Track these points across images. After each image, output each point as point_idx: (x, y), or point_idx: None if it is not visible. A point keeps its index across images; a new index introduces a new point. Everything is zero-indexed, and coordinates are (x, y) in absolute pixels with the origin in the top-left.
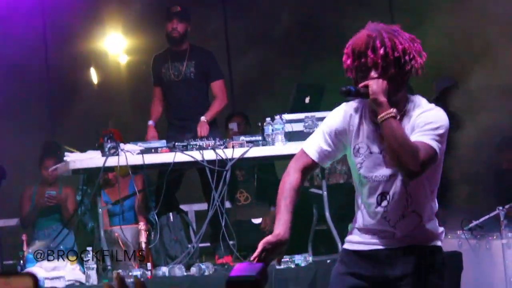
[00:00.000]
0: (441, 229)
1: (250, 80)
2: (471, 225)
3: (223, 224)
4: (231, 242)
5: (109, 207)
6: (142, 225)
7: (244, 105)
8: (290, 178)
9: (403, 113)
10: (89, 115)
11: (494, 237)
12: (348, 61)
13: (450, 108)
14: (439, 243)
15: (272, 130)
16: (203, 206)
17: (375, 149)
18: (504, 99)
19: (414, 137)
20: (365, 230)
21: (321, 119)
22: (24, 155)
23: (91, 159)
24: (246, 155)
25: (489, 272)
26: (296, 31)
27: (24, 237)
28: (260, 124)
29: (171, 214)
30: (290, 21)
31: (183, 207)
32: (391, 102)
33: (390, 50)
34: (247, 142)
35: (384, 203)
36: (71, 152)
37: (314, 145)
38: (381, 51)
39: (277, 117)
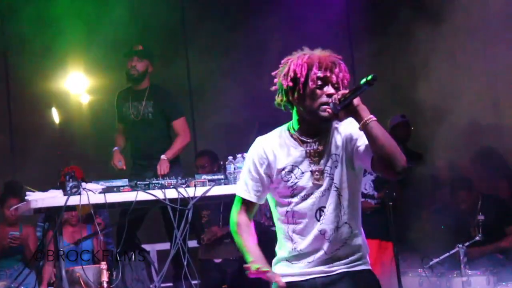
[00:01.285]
0: (367, 247)
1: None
2: (431, 262)
3: (185, 263)
4: (193, 282)
5: (71, 247)
6: (103, 265)
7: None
8: (236, 220)
9: (327, 136)
10: (51, 155)
11: (455, 275)
12: (304, 71)
13: (408, 146)
14: (369, 266)
15: (234, 169)
16: (165, 246)
17: (305, 168)
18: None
19: (365, 144)
20: (296, 257)
21: None
22: None
23: (53, 198)
24: (208, 194)
25: None
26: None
27: None
28: (222, 163)
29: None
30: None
31: (145, 246)
32: (326, 126)
33: (346, 78)
34: (209, 180)
35: (323, 217)
36: (32, 191)
37: (247, 188)
38: (343, 74)
39: (239, 155)
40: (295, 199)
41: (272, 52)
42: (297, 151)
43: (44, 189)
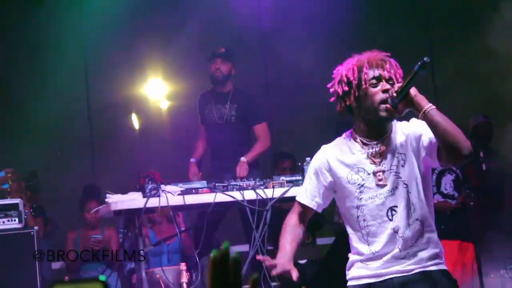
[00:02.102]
0: (442, 247)
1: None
2: None
3: (264, 265)
4: (273, 284)
5: (150, 248)
6: (183, 266)
7: (283, 144)
8: (286, 221)
9: (389, 136)
10: (130, 160)
11: None
12: (355, 73)
13: (489, 146)
14: (445, 267)
15: None
16: (244, 248)
17: (369, 169)
18: None
19: (429, 135)
20: (371, 259)
21: None
22: (68, 200)
23: (133, 200)
24: (287, 195)
25: None
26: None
27: (67, 280)
28: (300, 164)
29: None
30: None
31: None
32: (388, 124)
33: (398, 73)
34: (287, 182)
35: (395, 216)
36: (112, 194)
37: (306, 193)
38: (395, 70)
39: None
40: (363, 202)
41: None
42: (360, 154)
43: (124, 193)
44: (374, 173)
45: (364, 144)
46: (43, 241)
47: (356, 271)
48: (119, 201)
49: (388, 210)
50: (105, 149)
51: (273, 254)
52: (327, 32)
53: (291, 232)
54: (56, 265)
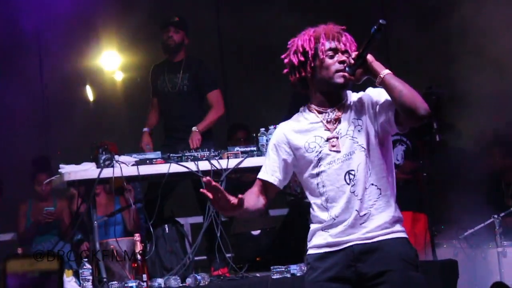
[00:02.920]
0: (401, 214)
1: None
2: (466, 233)
3: (218, 235)
4: (227, 255)
5: (104, 219)
6: (137, 237)
7: (239, 114)
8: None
9: (345, 104)
10: (85, 132)
11: (490, 246)
12: (312, 44)
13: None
14: (405, 235)
15: (266, 141)
16: (198, 219)
17: (325, 135)
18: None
19: (386, 100)
20: (331, 226)
21: None
22: (17, 171)
23: (86, 170)
24: (241, 165)
25: (485, 281)
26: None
27: (20, 251)
28: (254, 135)
29: (166, 225)
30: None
31: (179, 219)
32: (343, 93)
33: (354, 46)
34: (242, 152)
35: (353, 179)
36: (66, 165)
37: (266, 169)
38: (350, 43)
39: (271, 127)
40: (322, 168)
41: None
42: (315, 122)
43: (78, 164)
44: (328, 139)
45: (319, 112)
46: None
47: (317, 240)
48: (72, 171)
49: (346, 174)
50: (59, 120)
51: (227, 225)
52: None
53: (246, 195)
54: (7, 236)
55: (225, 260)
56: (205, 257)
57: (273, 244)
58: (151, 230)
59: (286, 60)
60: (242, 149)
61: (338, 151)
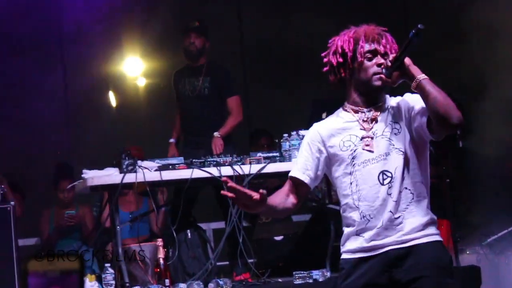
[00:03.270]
0: (434, 217)
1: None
2: (489, 240)
3: (240, 241)
4: (250, 260)
5: (127, 224)
6: (160, 242)
7: (259, 120)
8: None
9: (382, 106)
10: (107, 137)
11: None
12: (351, 45)
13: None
14: (440, 238)
15: (289, 146)
16: (220, 225)
17: (360, 135)
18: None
19: (421, 106)
20: (364, 229)
21: None
22: (40, 177)
23: (109, 176)
24: (264, 171)
25: (508, 287)
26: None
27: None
28: (277, 140)
29: (188, 231)
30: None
31: (201, 225)
32: (381, 95)
33: (394, 48)
34: (264, 158)
35: (387, 180)
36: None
37: (297, 167)
38: (391, 45)
39: (294, 132)
40: (356, 167)
41: None
42: (351, 121)
43: (101, 169)
44: (362, 138)
45: (355, 112)
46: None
47: (351, 244)
48: (95, 176)
49: (379, 174)
50: (83, 126)
51: (250, 230)
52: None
53: (275, 194)
54: (30, 241)
55: (247, 265)
56: (227, 263)
57: (295, 249)
58: (174, 235)
59: (325, 59)
60: (265, 155)
61: (371, 151)
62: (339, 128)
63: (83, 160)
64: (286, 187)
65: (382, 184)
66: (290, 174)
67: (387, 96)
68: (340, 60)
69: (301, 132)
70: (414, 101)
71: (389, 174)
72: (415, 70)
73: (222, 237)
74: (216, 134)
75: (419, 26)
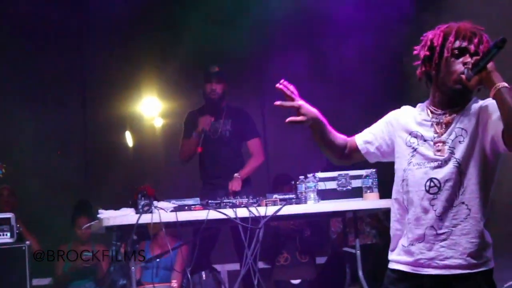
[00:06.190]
0: (490, 240)
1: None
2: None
3: (255, 283)
4: None
5: (142, 265)
6: (174, 283)
7: (278, 161)
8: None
9: (460, 110)
10: (124, 177)
11: None
12: (440, 40)
13: None
14: (492, 264)
15: (305, 188)
16: (235, 266)
17: (428, 136)
18: None
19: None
20: (410, 243)
21: (355, 177)
22: (58, 215)
23: (125, 216)
24: (280, 213)
25: None
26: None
27: None
28: (293, 182)
29: (203, 272)
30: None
31: (216, 266)
32: (461, 98)
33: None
34: (280, 200)
35: (434, 189)
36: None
37: (364, 133)
38: (484, 45)
39: (310, 175)
40: (410, 166)
41: None
42: (426, 120)
43: (117, 209)
44: (434, 143)
45: (432, 112)
46: None
47: (398, 256)
48: (111, 217)
49: (428, 180)
50: (99, 166)
51: (266, 272)
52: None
53: (339, 136)
54: (44, 281)
55: None
56: None
57: None
58: (189, 276)
59: (415, 52)
60: (281, 197)
61: (438, 157)
62: (414, 123)
63: (101, 199)
64: (349, 139)
65: (428, 191)
66: (355, 136)
67: (474, 98)
68: (427, 53)
69: (317, 174)
70: (493, 109)
71: (437, 183)
72: (496, 76)
73: (237, 279)
74: (236, 175)
75: (502, 38)
